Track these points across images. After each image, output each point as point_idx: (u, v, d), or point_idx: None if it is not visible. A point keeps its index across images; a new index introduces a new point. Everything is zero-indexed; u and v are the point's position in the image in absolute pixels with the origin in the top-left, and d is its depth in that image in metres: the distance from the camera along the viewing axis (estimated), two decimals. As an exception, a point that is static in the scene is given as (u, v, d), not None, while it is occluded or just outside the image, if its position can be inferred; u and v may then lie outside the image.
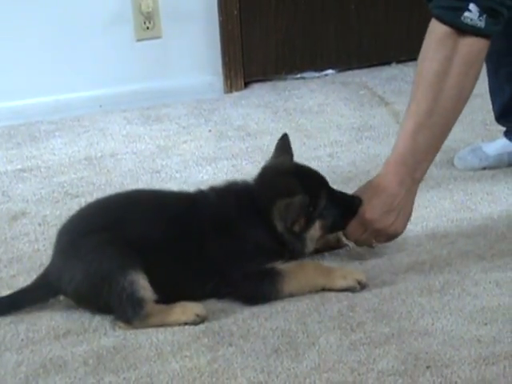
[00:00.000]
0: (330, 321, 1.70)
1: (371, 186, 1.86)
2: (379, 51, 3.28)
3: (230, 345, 1.64)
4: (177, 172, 2.42)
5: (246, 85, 3.17)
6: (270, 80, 3.21)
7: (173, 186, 2.33)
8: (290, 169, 1.87)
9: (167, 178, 2.41)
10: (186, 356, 1.62)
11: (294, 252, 1.81)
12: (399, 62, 3.30)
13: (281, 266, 1.78)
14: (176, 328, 1.70)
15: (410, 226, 1.98)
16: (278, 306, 1.75)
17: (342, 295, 1.78)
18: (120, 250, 1.70)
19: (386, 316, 1.70)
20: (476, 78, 1.79)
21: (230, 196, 1.83)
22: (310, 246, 1.83)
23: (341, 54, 3.26)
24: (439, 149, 1.85)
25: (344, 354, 1.60)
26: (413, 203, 1.86)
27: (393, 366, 1.55)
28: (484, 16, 1.70)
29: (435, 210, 2.07)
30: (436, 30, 1.74)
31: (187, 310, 1.73)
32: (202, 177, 2.40)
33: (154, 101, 2.98)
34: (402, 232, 1.88)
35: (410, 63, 3.27)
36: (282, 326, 1.69)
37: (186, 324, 1.71)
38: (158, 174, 2.44)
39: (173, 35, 3.01)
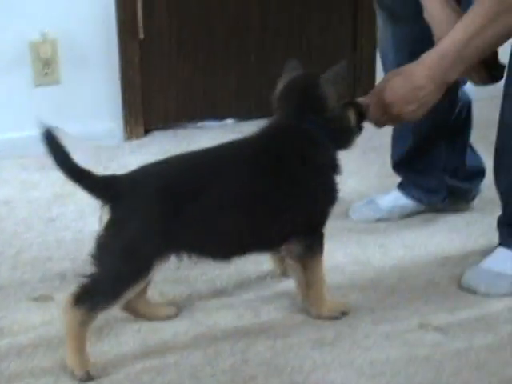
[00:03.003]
0: (223, 375, 1.69)
1: (404, 72, 1.86)
2: (278, 102, 3.33)
3: (122, 400, 1.62)
4: (72, 221, 2.39)
5: (147, 132, 3.17)
6: (170, 128, 3.21)
7: (68, 235, 2.31)
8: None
9: (62, 226, 2.37)
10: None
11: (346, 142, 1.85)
12: (298, 112, 3.34)
13: None
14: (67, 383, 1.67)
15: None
16: (170, 360, 1.73)
17: (236, 348, 1.77)
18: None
19: (278, 369, 1.71)
20: None
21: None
22: (354, 134, 1.86)
23: (241, 104, 3.30)
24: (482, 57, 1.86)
25: (236, 408, 1.60)
26: (436, 101, 1.86)
27: (283, 421, 1.56)
28: None
29: (328, 262, 2.07)
30: None
31: None
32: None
33: (52, 147, 2.95)
34: (417, 120, 1.90)
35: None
36: (174, 380, 1.67)
37: None
38: (53, 223, 2.40)
39: (72, 81, 2.99)
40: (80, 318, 1.66)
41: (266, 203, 1.77)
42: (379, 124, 1.94)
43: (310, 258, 1.84)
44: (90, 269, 1.71)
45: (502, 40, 1.83)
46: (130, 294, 1.71)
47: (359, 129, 1.89)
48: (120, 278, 1.70)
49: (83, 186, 1.72)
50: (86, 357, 1.69)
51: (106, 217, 1.72)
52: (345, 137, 1.87)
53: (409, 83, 1.85)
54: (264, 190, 1.76)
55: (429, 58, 1.84)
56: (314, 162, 1.81)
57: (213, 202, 1.73)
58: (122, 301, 1.73)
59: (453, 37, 1.82)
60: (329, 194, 1.84)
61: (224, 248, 1.81)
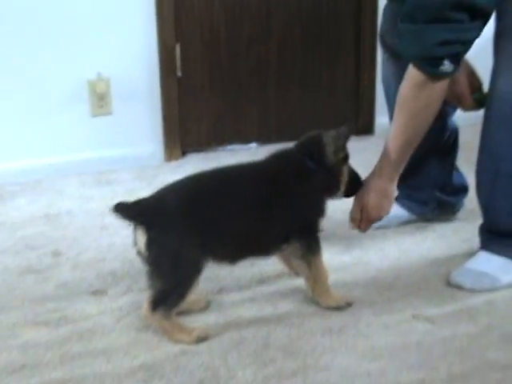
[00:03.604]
0: (247, 357, 1.70)
1: (374, 189, 1.99)
2: (294, 128, 3.34)
3: (162, 378, 1.62)
4: (122, 228, 2.34)
5: (184, 154, 3.18)
6: (203, 151, 3.23)
7: (118, 240, 2.32)
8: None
9: (114, 233, 2.39)
10: (124, 388, 1.60)
11: (333, 188, 1.90)
12: (310, 138, 3.36)
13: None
14: (118, 362, 1.68)
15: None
16: (203, 345, 1.74)
17: (258, 335, 1.77)
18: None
19: (294, 353, 1.71)
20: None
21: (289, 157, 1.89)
22: (342, 185, 1.91)
23: (262, 130, 3.31)
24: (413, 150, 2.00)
25: (258, 385, 1.60)
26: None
27: (298, 396, 1.56)
28: (453, 64, 1.84)
29: (335, 263, 2.09)
30: (417, 76, 1.86)
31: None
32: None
33: (105, 167, 2.98)
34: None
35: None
36: (206, 361, 1.68)
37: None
38: (106, 230, 2.41)
39: (122, 112, 3.01)
40: (162, 317, 1.72)
41: (270, 211, 1.80)
42: (357, 226, 2.06)
43: (311, 255, 1.85)
44: (151, 281, 1.74)
45: (426, 127, 1.95)
46: (192, 291, 1.75)
47: (347, 192, 1.95)
48: (181, 284, 1.73)
49: (116, 214, 1.76)
50: (188, 328, 1.76)
51: (140, 237, 1.73)
52: (332, 184, 1.90)
53: (382, 197, 2.00)
54: (268, 201, 1.80)
55: (384, 170, 1.99)
56: (305, 185, 1.84)
57: (227, 210, 1.75)
58: (188, 296, 1.76)
59: (391, 148, 1.96)
60: (316, 210, 1.87)
61: (237, 249, 1.82)
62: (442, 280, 2.04)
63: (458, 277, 2.00)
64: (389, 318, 1.86)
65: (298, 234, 1.83)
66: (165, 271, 1.73)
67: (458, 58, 1.84)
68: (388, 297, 1.96)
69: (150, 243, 1.71)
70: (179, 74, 3.09)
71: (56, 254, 2.25)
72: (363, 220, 2.02)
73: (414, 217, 2.42)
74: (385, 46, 2.25)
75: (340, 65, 3.37)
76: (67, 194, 2.73)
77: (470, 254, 2.09)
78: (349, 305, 1.89)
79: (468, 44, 1.84)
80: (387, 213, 2.06)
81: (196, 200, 1.75)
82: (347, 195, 1.97)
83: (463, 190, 2.40)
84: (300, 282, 1.97)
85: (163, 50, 3.01)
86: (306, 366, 1.66)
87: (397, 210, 2.41)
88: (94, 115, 2.98)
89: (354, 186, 1.97)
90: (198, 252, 1.72)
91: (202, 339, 1.74)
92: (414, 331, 1.80)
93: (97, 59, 2.92)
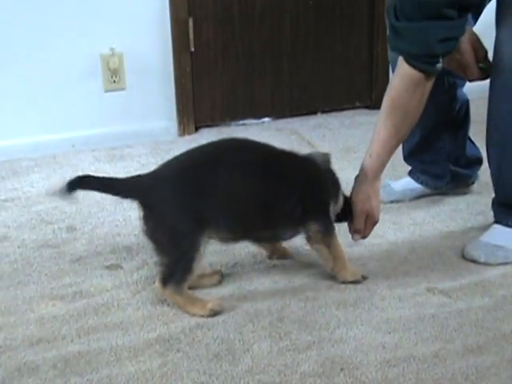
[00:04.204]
0: (262, 330, 1.70)
1: (372, 193, 1.93)
2: (307, 103, 3.32)
3: (178, 351, 1.63)
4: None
5: (197, 129, 3.17)
6: (216, 125, 3.21)
7: (133, 214, 2.30)
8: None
9: (128, 207, 2.37)
10: (140, 360, 1.60)
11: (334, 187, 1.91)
12: (323, 112, 3.34)
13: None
14: (133, 335, 1.69)
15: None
16: (219, 319, 1.74)
17: (273, 309, 1.78)
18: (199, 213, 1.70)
19: (309, 326, 1.71)
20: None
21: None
22: (339, 194, 1.91)
23: (275, 105, 3.29)
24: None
25: (273, 358, 1.59)
26: None
27: (313, 369, 1.55)
28: (444, 61, 1.85)
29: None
30: (412, 75, 1.85)
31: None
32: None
33: (119, 142, 2.97)
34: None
35: (332, 113, 3.33)
36: (221, 334, 1.68)
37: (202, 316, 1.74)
38: (121, 204, 2.40)
39: (135, 87, 3.00)
40: (173, 292, 1.74)
41: (275, 187, 1.80)
42: (356, 229, 1.97)
43: (329, 237, 1.84)
44: (158, 257, 1.76)
45: (413, 126, 1.96)
46: (197, 264, 1.73)
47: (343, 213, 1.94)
48: (183, 259, 1.72)
49: (113, 194, 1.77)
50: (201, 300, 1.77)
51: (140, 213, 1.74)
52: (332, 183, 1.90)
53: (378, 197, 1.95)
54: (274, 176, 1.81)
55: (376, 172, 1.93)
56: (316, 177, 1.86)
57: (225, 183, 1.73)
58: (196, 270, 1.74)
59: (381, 149, 1.92)
60: (326, 190, 1.88)
61: (239, 224, 1.79)
62: (457, 253, 2.03)
63: (472, 250, 1.99)
64: (403, 291, 1.85)
65: (315, 216, 1.83)
66: (164, 246, 1.73)
67: (447, 55, 1.85)
68: (402, 270, 1.95)
69: (146, 219, 1.72)
70: (192, 48, 3.06)
71: (71, 228, 2.25)
72: (368, 226, 1.97)
73: (428, 190, 2.40)
74: None
75: (354, 38, 3.33)
76: (81, 169, 2.72)
77: (485, 227, 2.08)
78: (364, 278, 1.89)
79: (458, 40, 1.84)
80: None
81: (191, 174, 1.73)
82: (342, 218, 1.95)
83: (477, 161, 2.37)
84: (314, 256, 1.96)
85: (176, 25, 2.99)
86: (321, 338, 1.66)
87: (411, 184, 2.40)
88: (107, 90, 2.96)
89: (348, 210, 1.95)
90: (194, 226, 1.70)
91: (216, 312, 1.74)
92: (429, 304, 1.79)
93: (110, 34, 2.90)
